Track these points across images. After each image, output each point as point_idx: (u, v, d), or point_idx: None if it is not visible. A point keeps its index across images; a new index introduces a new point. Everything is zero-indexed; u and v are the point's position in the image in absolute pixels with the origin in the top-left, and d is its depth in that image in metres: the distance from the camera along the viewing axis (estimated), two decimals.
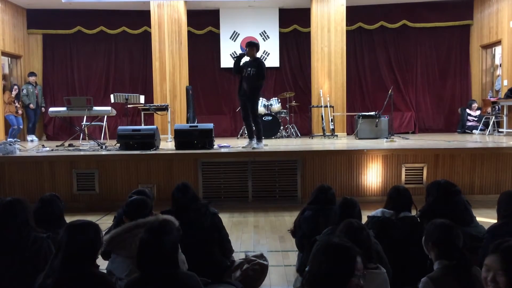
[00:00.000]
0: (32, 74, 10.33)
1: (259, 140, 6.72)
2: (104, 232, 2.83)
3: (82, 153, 6.61)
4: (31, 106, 10.13)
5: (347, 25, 10.00)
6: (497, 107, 9.28)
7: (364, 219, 3.00)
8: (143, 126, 8.43)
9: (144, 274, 2.02)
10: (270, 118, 9.30)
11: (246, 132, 7.22)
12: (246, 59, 6.67)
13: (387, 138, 8.29)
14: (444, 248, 2.24)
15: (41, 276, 2.05)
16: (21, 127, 10.00)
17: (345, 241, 1.84)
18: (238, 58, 6.66)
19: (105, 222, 5.06)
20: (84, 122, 8.70)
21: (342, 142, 8.29)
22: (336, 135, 9.30)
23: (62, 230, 2.12)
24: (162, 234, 2.07)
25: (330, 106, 9.63)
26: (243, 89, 6.63)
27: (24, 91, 10.06)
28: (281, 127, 9.51)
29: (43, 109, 10.45)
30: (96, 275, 2.08)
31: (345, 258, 1.73)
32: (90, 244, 2.08)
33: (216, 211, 3.20)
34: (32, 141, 9.93)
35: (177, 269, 2.09)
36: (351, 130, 10.07)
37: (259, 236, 4.74)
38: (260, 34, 10.95)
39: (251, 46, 6.61)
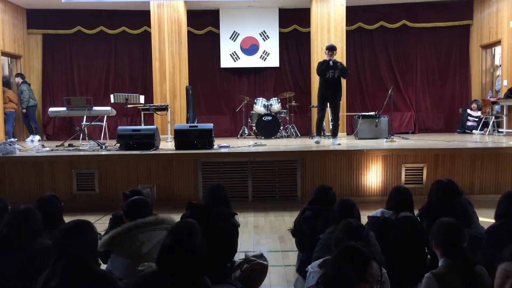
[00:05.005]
0: (16, 75, 10.19)
1: (336, 136, 7.44)
2: (102, 233, 2.84)
3: (82, 153, 6.61)
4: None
5: (347, 25, 9.99)
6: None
7: (364, 219, 2.99)
8: (143, 126, 8.42)
9: (159, 272, 1.99)
10: (270, 118, 9.28)
11: (319, 129, 7.78)
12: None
13: (387, 138, 8.27)
14: (448, 247, 2.25)
15: (41, 278, 2.04)
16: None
17: (361, 244, 1.85)
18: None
19: (105, 222, 5.04)
20: (84, 122, 8.69)
21: (342, 142, 8.27)
22: None
23: (56, 233, 2.11)
24: (191, 235, 2.07)
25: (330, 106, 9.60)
26: (329, 91, 7.14)
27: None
28: (281, 127, 9.50)
29: (23, 111, 10.02)
30: (98, 273, 2.07)
31: (354, 259, 1.74)
32: (87, 242, 2.09)
33: (238, 224, 3.18)
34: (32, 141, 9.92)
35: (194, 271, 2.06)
36: (351, 130, 10.07)
37: (259, 236, 4.75)
38: (260, 34, 10.95)
39: (334, 50, 7.16)
